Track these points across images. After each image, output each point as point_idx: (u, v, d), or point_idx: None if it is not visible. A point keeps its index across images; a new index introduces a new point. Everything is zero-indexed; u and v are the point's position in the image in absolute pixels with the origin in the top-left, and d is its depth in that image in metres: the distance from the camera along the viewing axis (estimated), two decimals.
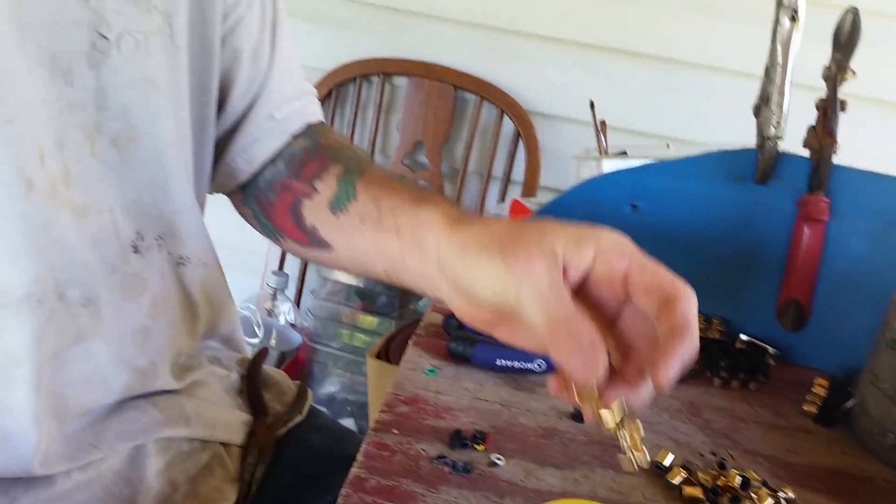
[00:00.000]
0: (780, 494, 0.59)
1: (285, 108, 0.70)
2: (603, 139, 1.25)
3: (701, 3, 1.63)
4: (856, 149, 0.84)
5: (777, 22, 0.76)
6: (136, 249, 0.59)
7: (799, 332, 0.81)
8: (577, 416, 0.66)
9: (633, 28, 1.67)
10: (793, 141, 0.78)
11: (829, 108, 0.77)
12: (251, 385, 0.74)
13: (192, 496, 0.62)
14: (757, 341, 0.82)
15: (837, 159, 0.77)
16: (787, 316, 0.81)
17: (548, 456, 0.61)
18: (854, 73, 0.76)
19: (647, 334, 0.45)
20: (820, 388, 0.76)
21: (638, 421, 0.46)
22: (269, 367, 0.78)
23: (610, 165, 1.06)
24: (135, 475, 0.59)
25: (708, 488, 0.58)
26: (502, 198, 1.78)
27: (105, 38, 0.53)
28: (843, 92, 0.77)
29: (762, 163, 0.79)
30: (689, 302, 0.43)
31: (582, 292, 0.46)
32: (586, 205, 0.83)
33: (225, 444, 0.67)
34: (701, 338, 0.79)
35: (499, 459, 0.59)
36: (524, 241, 0.45)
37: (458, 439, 0.60)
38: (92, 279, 0.55)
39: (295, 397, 0.77)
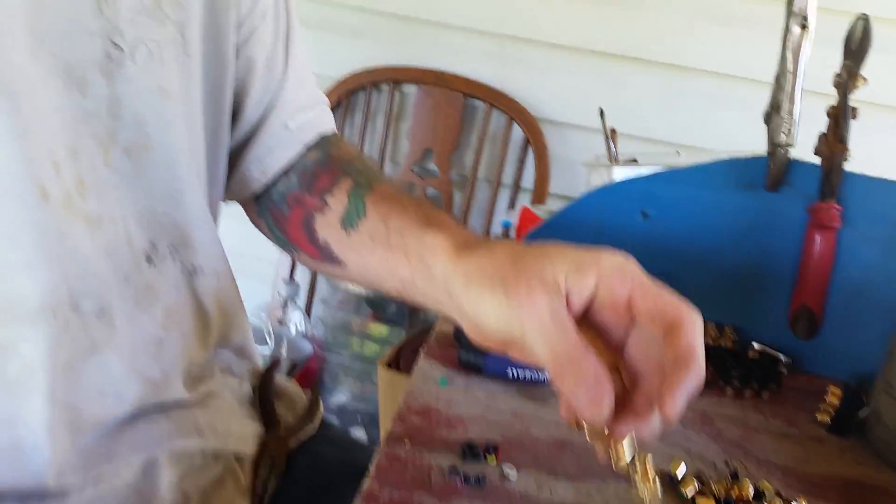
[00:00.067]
0: None
1: (299, 117, 0.71)
2: (613, 146, 1.25)
3: (711, 11, 1.62)
4: (867, 156, 0.84)
5: (787, 29, 0.76)
6: (149, 259, 0.59)
7: (811, 341, 0.81)
8: None
9: (642, 35, 1.67)
10: (804, 148, 0.78)
11: (840, 116, 0.76)
12: (263, 396, 0.74)
13: None
14: (769, 349, 0.82)
15: (849, 166, 0.77)
16: (799, 324, 0.81)
17: (560, 467, 0.61)
18: (865, 80, 0.76)
19: (655, 359, 0.45)
20: (833, 396, 0.75)
21: (650, 455, 0.46)
22: (280, 378, 0.78)
23: (621, 173, 1.06)
24: (148, 488, 0.59)
25: (721, 499, 0.58)
26: (512, 205, 1.78)
27: (119, 47, 0.53)
28: (854, 99, 0.76)
29: (773, 170, 0.79)
30: (693, 328, 0.43)
31: (587, 318, 0.46)
32: (597, 213, 0.83)
33: (237, 457, 0.67)
34: (713, 347, 0.80)
35: (511, 471, 0.59)
36: (525, 272, 0.44)
37: (470, 451, 0.60)
38: (105, 290, 0.55)
39: (307, 408, 0.77)
